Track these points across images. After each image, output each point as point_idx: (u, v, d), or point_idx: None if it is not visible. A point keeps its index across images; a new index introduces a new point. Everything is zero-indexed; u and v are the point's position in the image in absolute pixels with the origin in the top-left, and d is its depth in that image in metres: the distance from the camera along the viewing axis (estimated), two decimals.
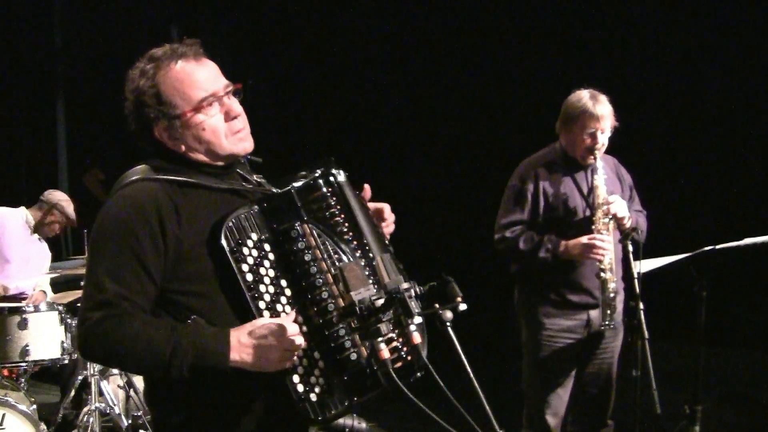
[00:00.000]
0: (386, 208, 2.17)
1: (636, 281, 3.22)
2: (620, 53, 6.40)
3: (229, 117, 1.95)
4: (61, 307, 4.44)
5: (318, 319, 1.87)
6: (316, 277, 1.88)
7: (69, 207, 5.31)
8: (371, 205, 2.13)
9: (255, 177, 2.10)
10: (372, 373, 1.84)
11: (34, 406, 4.06)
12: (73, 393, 4.63)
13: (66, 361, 4.45)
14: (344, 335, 1.85)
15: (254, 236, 1.89)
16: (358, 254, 1.96)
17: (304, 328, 1.86)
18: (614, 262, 3.37)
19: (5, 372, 4.31)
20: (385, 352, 1.75)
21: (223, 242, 1.84)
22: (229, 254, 1.85)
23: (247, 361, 1.81)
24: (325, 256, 1.90)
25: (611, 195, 3.40)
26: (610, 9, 6.41)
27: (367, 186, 2.14)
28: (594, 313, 3.46)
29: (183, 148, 1.95)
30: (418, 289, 1.78)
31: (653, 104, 6.25)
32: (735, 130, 6.09)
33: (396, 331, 1.85)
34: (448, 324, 1.77)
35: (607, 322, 3.37)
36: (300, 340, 1.83)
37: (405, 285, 1.74)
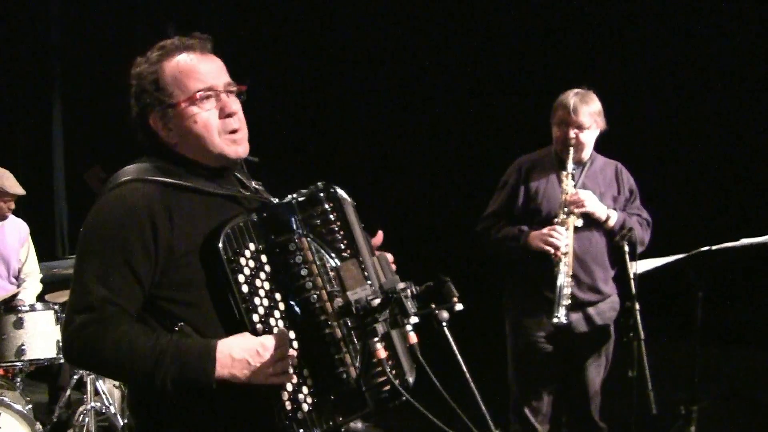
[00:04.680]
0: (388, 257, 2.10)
1: (632, 282, 3.22)
2: (619, 53, 6.40)
3: (223, 114, 1.90)
4: (56, 307, 4.41)
5: (310, 337, 1.83)
6: (311, 293, 1.82)
7: (4, 180, 4.77)
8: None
9: (253, 183, 2.05)
10: (361, 393, 1.82)
11: (30, 406, 4.05)
12: (68, 392, 4.62)
13: (62, 361, 4.43)
14: (336, 354, 1.81)
15: (252, 246, 1.83)
16: None
17: (296, 344, 1.82)
18: (571, 256, 3.35)
19: (1, 371, 4.29)
20: (381, 352, 1.75)
21: (221, 251, 1.79)
22: (225, 263, 1.80)
23: (237, 376, 1.77)
24: (321, 271, 1.85)
25: (582, 191, 3.39)
26: (608, 8, 6.41)
27: (380, 232, 2.11)
28: (574, 314, 3.42)
29: (175, 140, 1.91)
30: (414, 289, 1.77)
31: (652, 104, 6.25)
32: (734, 130, 6.10)
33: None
34: (444, 324, 1.77)
35: (557, 315, 3.31)
36: (292, 355, 1.80)
37: (401, 285, 1.74)
